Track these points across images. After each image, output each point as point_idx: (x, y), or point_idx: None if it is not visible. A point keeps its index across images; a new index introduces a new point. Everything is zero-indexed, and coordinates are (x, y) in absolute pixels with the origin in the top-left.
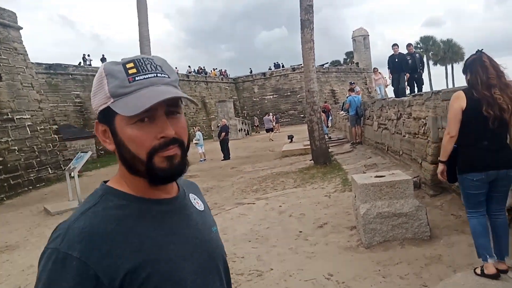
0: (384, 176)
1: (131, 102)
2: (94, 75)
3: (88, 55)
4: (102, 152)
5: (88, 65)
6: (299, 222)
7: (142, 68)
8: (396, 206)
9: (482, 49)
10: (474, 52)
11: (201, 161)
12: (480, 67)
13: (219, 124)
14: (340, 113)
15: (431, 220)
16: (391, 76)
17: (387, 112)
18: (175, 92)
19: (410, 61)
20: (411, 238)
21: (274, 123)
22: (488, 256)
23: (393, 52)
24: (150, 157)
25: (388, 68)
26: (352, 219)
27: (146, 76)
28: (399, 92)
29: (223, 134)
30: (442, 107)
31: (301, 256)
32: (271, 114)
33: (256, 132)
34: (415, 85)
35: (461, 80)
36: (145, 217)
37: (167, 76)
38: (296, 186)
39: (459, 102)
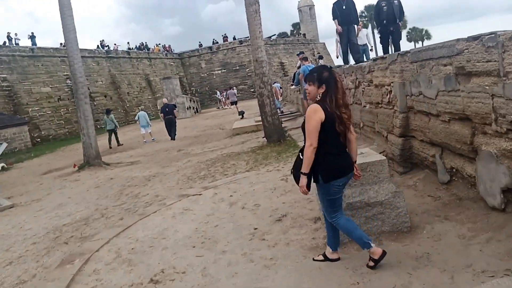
0: None
1: None
2: (22, 56)
3: (16, 34)
4: (39, 139)
5: (16, 44)
6: (254, 216)
7: None
8: (369, 194)
9: (331, 66)
10: (322, 64)
11: (145, 142)
12: (335, 85)
13: (163, 104)
14: (291, 86)
15: (406, 204)
16: (339, 29)
17: (343, 80)
18: None
19: (385, 7)
20: (388, 232)
21: (226, 100)
22: (371, 242)
23: None
24: None
25: (334, 18)
26: (315, 207)
27: None
28: (349, 52)
29: (162, 115)
30: (412, 70)
31: (257, 266)
32: (234, 88)
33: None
34: (390, 39)
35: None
36: None
37: None
38: (248, 170)
39: (319, 114)
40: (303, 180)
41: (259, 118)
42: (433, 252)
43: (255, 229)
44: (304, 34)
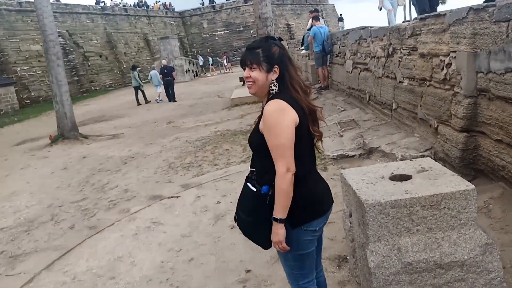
0: (410, 177)
1: None
2: (9, 10)
3: None
4: (28, 101)
5: None
6: (247, 244)
7: None
8: (442, 248)
9: (280, 37)
10: (265, 37)
11: (158, 101)
12: (291, 64)
13: (162, 65)
14: (300, 50)
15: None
16: None
17: (368, 46)
18: None
19: None
20: None
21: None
22: None
23: None
24: None
25: None
26: (338, 235)
27: None
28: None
29: (161, 76)
30: (495, 34)
31: None
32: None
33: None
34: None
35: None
36: None
37: None
38: (245, 160)
39: (291, 115)
40: (280, 230)
41: None
42: None
43: (248, 271)
44: None
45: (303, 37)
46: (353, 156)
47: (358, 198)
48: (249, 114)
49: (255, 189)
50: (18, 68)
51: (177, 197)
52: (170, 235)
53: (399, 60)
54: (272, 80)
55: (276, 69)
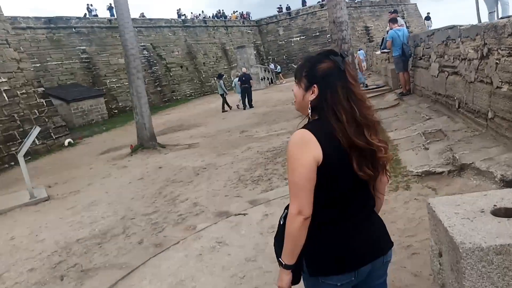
0: None
1: None
2: (100, 28)
3: (91, 5)
4: (116, 111)
5: (94, 15)
6: None
7: None
8: None
9: (342, 53)
10: (325, 50)
11: (238, 107)
12: (342, 88)
13: (237, 73)
14: (377, 52)
15: None
16: None
17: (457, 47)
18: None
19: None
20: None
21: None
22: None
23: None
24: None
25: None
26: (424, 272)
27: None
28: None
29: (239, 83)
30: None
31: None
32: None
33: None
34: None
35: None
36: None
37: None
38: None
39: (313, 151)
40: (285, 277)
41: None
42: None
43: None
44: None
45: (382, 39)
46: (441, 173)
47: (451, 238)
48: None
49: (281, 222)
50: (108, 81)
51: (244, 214)
52: (235, 258)
53: (496, 63)
54: (308, 101)
55: (314, 89)
